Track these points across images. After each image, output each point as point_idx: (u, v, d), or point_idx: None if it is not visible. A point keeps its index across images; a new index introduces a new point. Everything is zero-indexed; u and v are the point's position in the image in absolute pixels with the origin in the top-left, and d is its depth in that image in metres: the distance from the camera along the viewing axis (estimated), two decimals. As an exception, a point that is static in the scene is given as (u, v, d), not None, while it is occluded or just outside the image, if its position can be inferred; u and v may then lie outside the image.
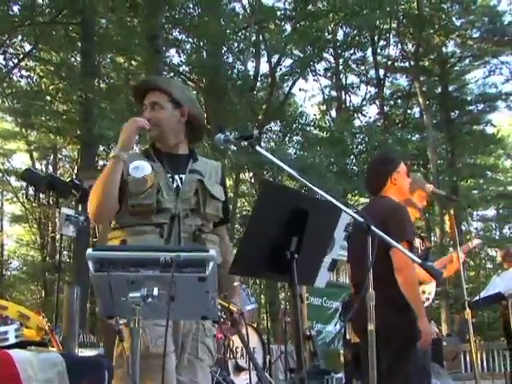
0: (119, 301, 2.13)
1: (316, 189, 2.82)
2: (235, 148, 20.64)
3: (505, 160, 35.23)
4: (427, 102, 26.77)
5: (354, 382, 8.23)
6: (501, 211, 33.72)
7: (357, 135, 24.57)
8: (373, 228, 2.72)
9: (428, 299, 4.25)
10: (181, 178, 3.18)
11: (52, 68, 20.83)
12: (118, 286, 2.11)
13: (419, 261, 2.67)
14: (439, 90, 29.19)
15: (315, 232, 2.74)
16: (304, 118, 26.19)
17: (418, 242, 4.50)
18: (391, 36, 26.88)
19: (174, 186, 3.15)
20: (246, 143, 3.02)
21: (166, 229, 3.05)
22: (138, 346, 2.13)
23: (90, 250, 2.13)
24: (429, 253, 4.46)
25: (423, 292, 4.25)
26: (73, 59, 21.20)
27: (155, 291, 2.12)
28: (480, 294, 4.89)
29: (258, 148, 2.92)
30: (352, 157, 24.63)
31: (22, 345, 3.45)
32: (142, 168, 3.08)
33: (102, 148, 22.21)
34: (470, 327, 4.03)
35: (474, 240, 4.82)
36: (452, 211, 4.46)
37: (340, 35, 25.81)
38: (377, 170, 4.40)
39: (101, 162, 21.58)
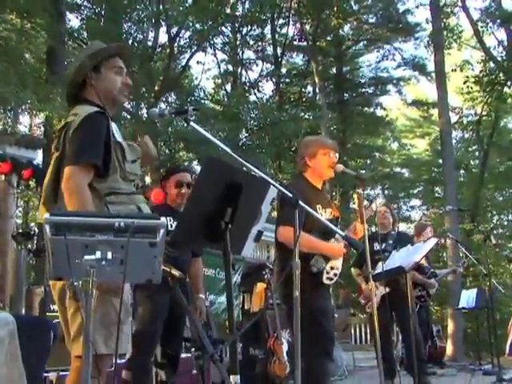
0: (73, 263, 2.23)
1: (248, 164, 3.01)
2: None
3: (392, 142, 36.60)
4: (322, 82, 27.28)
5: (250, 351, 8.49)
6: (386, 192, 34.97)
7: (252, 111, 24.77)
8: (300, 203, 2.93)
9: (336, 275, 4.34)
10: None
11: None
12: (73, 249, 2.22)
13: (343, 234, 2.90)
14: (334, 70, 29.81)
15: (246, 204, 2.93)
16: (201, 90, 26.19)
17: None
18: (291, 15, 27.16)
19: None
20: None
21: None
22: (91, 306, 2.24)
23: (47, 215, 2.22)
24: (337, 223, 4.59)
25: (332, 268, 4.31)
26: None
27: (109, 255, 2.23)
28: (382, 268, 5.18)
29: (192, 124, 3.06)
30: (246, 131, 24.91)
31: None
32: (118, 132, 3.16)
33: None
34: (373, 299, 4.28)
35: (372, 206, 4.95)
36: (361, 190, 4.71)
37: (240, 10, 25.83)
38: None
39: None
